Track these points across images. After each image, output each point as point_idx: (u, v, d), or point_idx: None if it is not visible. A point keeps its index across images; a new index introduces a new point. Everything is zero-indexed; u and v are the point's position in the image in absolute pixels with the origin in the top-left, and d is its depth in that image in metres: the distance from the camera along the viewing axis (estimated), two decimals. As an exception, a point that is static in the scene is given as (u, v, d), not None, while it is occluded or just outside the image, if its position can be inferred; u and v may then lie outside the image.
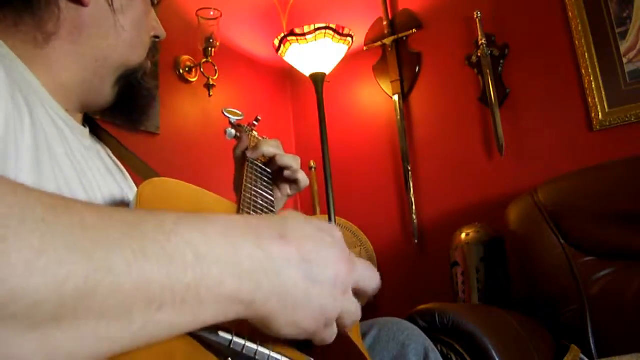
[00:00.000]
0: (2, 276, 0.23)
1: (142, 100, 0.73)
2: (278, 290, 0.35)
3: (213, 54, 1.96)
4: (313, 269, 0.37)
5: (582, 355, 1.31)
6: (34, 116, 0.54)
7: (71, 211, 0.28)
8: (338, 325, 0.40)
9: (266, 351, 0.39)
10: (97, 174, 0.65)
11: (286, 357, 0.41)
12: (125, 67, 0.69)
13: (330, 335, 0.40)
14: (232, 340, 0.37)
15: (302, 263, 0.36)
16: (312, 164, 2.26)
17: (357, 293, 0.42)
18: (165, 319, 0.30)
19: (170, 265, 0.29)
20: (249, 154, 0.81)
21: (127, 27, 0.67)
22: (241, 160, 0.83)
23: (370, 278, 0.43)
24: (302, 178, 0.83)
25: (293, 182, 0.84)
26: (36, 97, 0.58)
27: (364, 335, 0.78)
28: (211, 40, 1.93)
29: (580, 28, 1.79)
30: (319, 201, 2.24)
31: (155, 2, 0.74)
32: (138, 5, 0.69)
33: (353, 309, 0.40)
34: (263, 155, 0.81)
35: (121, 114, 0.73)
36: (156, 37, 0.75)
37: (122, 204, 0.66)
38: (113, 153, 0.77)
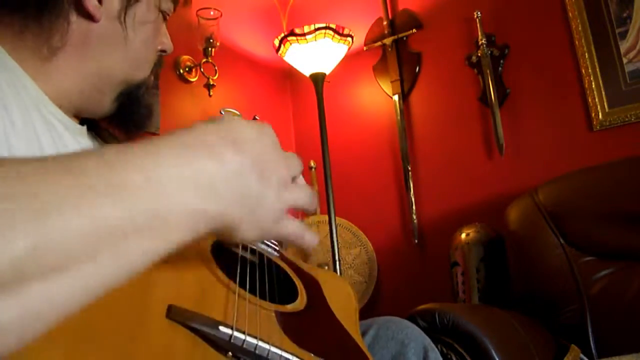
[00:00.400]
0: None
1: (139, 118, 0.72)
2: (238, 195, 0.36)
3: (213, 54, 1.96)
4: (263, 170, 0.38)
5: (582, 355, 1.30)
6: (26, 119, 0.53)
7: (3, 166, 0.26)
8: (299, 211, 0.43)
9: (266, 346, 0.39)
10: None
11: (286, 352, 0.41)
12: (128, 84, 0.68)
13: (288, 225, 0.42)
14: (232, 335, 0.38)
15: (254, 166, 0.37)
16: (312, 164, 2.26)
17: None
18: (134, 249, 0.29)
19: (121, 195, 0.28)
20: None
21: (137, 46, 0.66)
22: None
23: (297, 165, 0.45)
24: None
25: None
26: (29, 98, 0.57)
27: (363, 334, 0.78)
28: (211, 40, 1.93)
29: (580, 28, 1.79)
30: (319, 201, 2.24)
31: (167, 17, 0.72)
32: (150, 26, 0.68)
33: (301, 193, 0.43)
34: None
35: (117, 126, 0.72)
36: (163, 51, 0.74)
37: None
38: None
